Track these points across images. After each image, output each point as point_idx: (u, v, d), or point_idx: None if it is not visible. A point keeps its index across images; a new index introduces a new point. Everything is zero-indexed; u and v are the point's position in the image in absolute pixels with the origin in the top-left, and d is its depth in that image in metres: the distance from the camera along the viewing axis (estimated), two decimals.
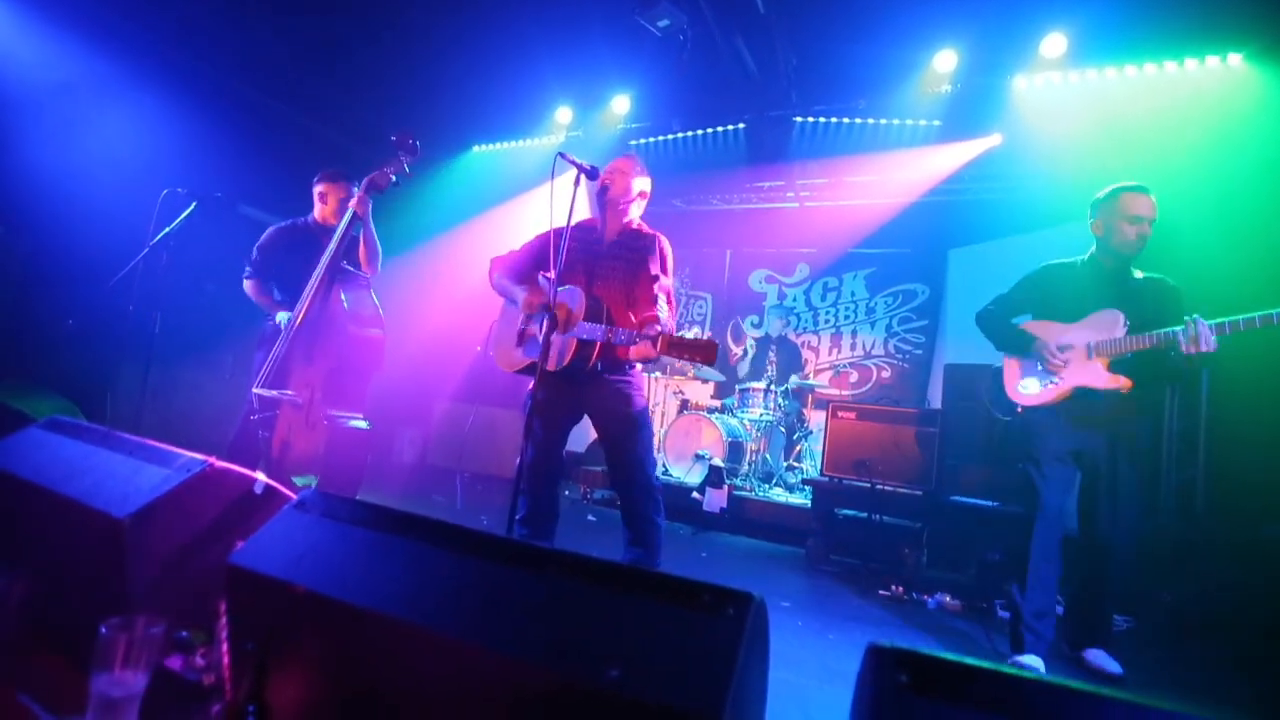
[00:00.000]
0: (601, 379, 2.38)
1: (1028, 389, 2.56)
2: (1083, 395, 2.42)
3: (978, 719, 0.57)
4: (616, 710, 0.67)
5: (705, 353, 1.98)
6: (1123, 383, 2.36)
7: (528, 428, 2.18)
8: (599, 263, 2.41)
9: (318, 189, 3.12)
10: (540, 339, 2.12)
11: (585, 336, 2.23)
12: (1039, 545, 2.42)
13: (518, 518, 2.35)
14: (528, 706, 0.73)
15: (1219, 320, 2.15)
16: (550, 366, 2.22)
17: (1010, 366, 2.62)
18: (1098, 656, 2.43)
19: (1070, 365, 2.43)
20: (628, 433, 2.38)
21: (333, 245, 2.80)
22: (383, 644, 0.85)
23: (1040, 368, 2.50)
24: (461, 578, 0.86)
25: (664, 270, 2.43)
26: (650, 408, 5.94)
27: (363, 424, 2.71)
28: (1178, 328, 2.18)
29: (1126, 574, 2.51)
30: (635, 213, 2.51)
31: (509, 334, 2.51)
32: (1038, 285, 2.62)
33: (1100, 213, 2.48)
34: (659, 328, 2.08)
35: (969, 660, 0.60)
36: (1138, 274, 2.48)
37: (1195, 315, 2.17)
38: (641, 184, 2.48)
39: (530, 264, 2.52)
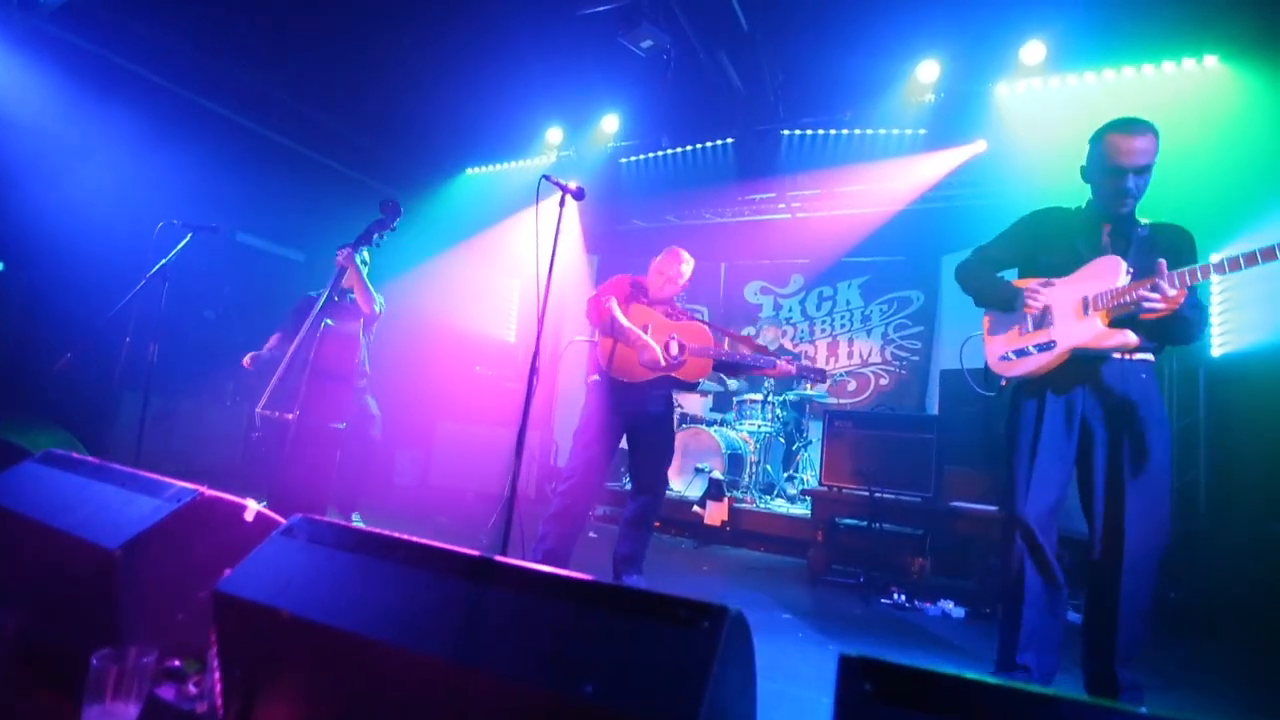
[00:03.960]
0: (664, 395, 2.92)
1: (1013, 356, 2.11)
2: (1081, 360, 1.99)
3: None
4: None
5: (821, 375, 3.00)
6: (1128, 339, 1.91)
7: (595, 454, 2.70)
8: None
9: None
10: (662, 359, 2.77)
11: (724, 359, 2.87)
12: (1008, 567, 2.05)
13: (546, 545, 2.69)
14: None
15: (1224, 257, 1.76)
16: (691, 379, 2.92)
17: (993, 329, 2.22)
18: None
19: (1060, 323, 2.01)
20: (668, 445, 2.96)
21: (326, 290, 3.19)
22: (368, 666, 0.87)
23: (1030, 326, 2.08)
24: (443, 598, 0.88)
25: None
26: None
27: (339, 425, 3.03)
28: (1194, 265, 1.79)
29: (1142, 581, 1.93)
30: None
31: (634, 355, 2.90)
32: (1026, 233, 2.22)
33: (1088, 159, 2.06)
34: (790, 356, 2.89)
35: (929, 668, 0.61)
36: (1144, 222, 2.03)
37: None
38: (687, 271, 2.96)
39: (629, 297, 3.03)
